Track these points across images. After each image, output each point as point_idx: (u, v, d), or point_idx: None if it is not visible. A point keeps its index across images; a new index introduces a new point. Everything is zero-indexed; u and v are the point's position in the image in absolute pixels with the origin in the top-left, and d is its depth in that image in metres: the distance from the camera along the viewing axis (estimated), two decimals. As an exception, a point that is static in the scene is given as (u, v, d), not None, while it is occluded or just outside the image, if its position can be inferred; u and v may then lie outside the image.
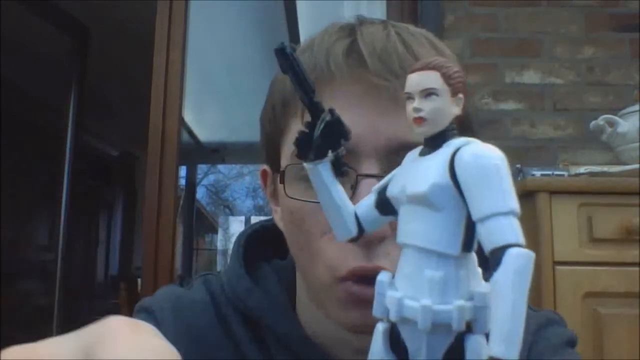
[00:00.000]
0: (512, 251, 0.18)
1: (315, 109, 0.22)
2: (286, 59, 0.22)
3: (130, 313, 0.47)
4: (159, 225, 1.79)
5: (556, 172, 1.37)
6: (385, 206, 0.23)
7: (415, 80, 0.21)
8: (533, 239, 1.28)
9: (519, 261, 0.18)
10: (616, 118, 1.46)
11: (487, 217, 0.18)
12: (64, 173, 2.76)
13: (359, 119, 0.41)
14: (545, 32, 1.80)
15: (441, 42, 0.48)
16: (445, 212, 0.20)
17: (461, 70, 0.22)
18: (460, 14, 1.81)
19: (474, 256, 0.21)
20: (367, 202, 0.24)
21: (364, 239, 0.26)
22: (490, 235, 0.18)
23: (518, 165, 1.47)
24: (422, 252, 0.20)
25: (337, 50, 0.43)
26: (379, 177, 0.39)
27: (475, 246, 0.20)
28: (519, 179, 1.40)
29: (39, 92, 3.18)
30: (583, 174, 1.36)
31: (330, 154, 0.23)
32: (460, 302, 0.19)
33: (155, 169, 1.82)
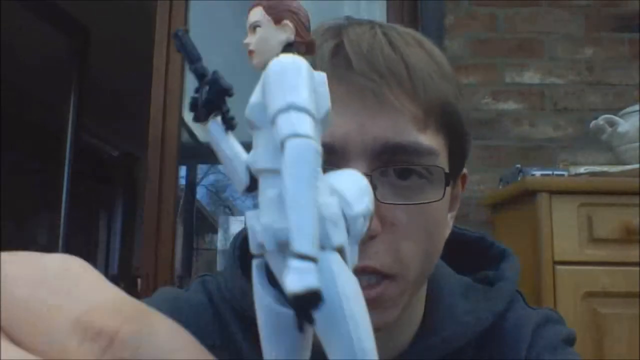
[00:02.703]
0: (287, 143, 0.16)
1: (199, 74, 0.23)
2: (177, 39, 0.23)
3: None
4: (159, 225, 1.79)
5: (556, 172, 1.37)
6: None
7: (246, 21, 0.21)
8: (533, 239, 1.28)
9: (293, 149, 0.16)
10: (616, 118, 1.46)
11: (272, 119, 0.17)
12: (64, 173, 2.76)
13: (346, 120, 0.41)
14: (545, 32, 1.80)
15: (430, 42, 0.47)
16: (265, 129, 0.19)
17: (289, 4, 0.21)
18: (460, 14, 1.81)
19: None
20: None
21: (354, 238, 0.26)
22: (276, 132, 0.17)
23: (518, 165, 1.47)
24: (265, 174, 0.19)
25: (324, 51, 0.43)
26: (368, 176, 0.39)
27: None
28: (519, 179, 1.41)
29: (39, 92, 3.18)
30: (583, 174, 1.36)
31: (217, 112, 0.23)
32: None
33: (155, 169, 1.82)
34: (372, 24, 0.46)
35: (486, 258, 0.55)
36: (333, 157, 0.41)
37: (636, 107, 1.45)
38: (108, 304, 0.19)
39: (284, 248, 0.17)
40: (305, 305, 0.15)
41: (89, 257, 4.58)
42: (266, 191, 0.18)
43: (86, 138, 3.63)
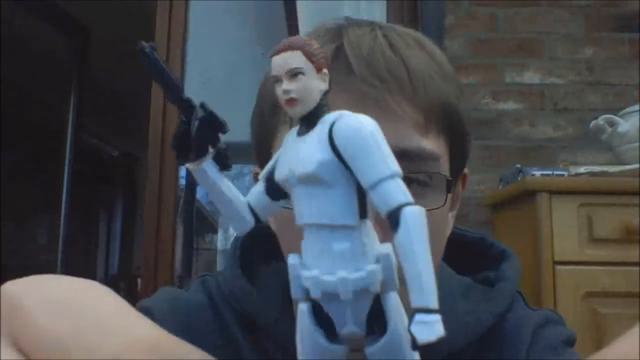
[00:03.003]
0: (406, 210, 0.19)
1: (185, 107, 0.22)
2: (148, 58, 0.21)
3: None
4: (159, 225, 1.79)
5: (556, 172, 1.37)
6: (276, 192, 0.24)
7: (280, 62, 0.21)
8: (533, 239, 1.28)
9: (414, 218, 0.19)
10: (616, 118, 1.46)
11: (375, 183, 0.19)
12: (64, 173, 2.76)
13: None
14: (545, 32, 1.80)
15: (431, 43, 0.47)
16: (337, 186, 0.21)
17: (322, 48, 0.22)
18: (460, 14, 1.81)
19: (369, 222, 0.22)
20: (257, 191, 0.24)
21: None
22: (383, 200, 0.19)
23: (518, 165, 1.47)
24: (326, 229, 0.21)
25: None
26: None
27: (369, 212, 0.21)
28: (519, 179, 1.41)
29: (39, 92, 3.18)
30: (583, 174, 1.36)
31: (210, 150, 0.22)
32: (372, 267, 0.20)
33: (155, 169, 1.82)
34: (372, 25, 0.45)
35: (486, 258, 0.55)
36: None
37: (636, 107, 1.45)
38: (144, 342, 0.19)
39: (359, 296, 0.20)
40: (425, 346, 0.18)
41: (89, 257, 4.58)
42: (332, 244, 0.20)
43: (86, 138, 3.62)
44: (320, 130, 0.21)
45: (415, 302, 0.19)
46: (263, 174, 0.24)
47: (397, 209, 0.19)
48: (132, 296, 3.58)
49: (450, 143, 0.45)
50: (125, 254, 5.12)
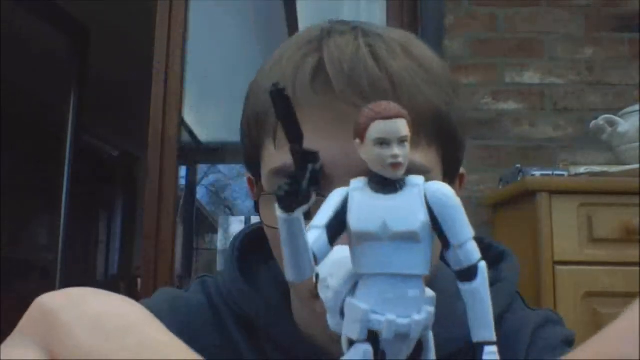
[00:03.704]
0: (482, 265, 0.25)
1: (303, 159, 0.22)
2: (283, 101, 0.21)
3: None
4: (159, 225, 1.79)
5: (556, 172, 1.37)
6: (334, 239, 0.25)
7: (394, 129, 0.24)
8: (533, 239, 1.28)
9: (485, 272, 0.25)
10: (616, 118, 1.46)
11: (464, 242, 0.25)
12: (64, 173, 2.76)
13: (330, 145, 0.40)
14: (545, 32, 1.80)
15: (421, 45, 0.46)
16: (424, 242, 0.25)
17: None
18: (460, 14, 1.81)
19: None
20: (322, 241, 0.25)
21: None
22: (466, 256, 0.25)
23: (518, 165, 1.47)
24: (402, 277, 0.25)
25: (304, 73, 0.42)
26: None
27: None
28: (519, 179, 1.41)
29: (39, 92, 3.18)
30: (583, 174, 1.36)
31: (307, 202, 0.23)
32: (430, 308, 0.26)
33: (155, 169, 1.82)
34: (355, 32, 0.44)
35: (485, 259, 0.55)
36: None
37: (636, 107, 1.45)
38: None
39: (399, 339, 0.24)
40: None
41: (89, 257, 4.58)
42: (407, 291, 0.25)
43: (86, 138, 3.62)
44: (413, 192, 0.25)
45: (483, 337, 0.25)
46: (322, 224, 0.25)
47: (475, 265, 0.25)
48: (132, 296, 3.55)
49: (442, 150, 0.45)
50: (125, 254, 5.12)
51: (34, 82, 3.11)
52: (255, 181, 0.51)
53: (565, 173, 1.37)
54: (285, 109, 0.22)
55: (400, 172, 0.24)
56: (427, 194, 0.25)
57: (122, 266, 5.07)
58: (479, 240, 0.58)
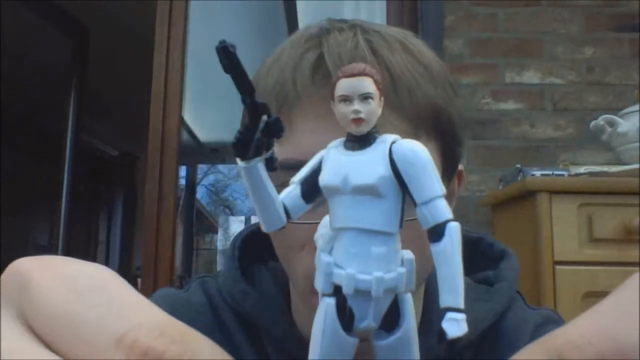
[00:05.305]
0: (451, 225, 0.23)
1: (256, 109, 0.24)
2: (230, 58, 0.23)
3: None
4: (159, 225, 1.79)
5: (556, 172, 1.37)
6: (310, 195, 0.26)
7: (355, 85, 0.24)
8: (533, 239, 1.28)
9: (456, 232, 0.23)
10: (616, 118, 1.46)
11: (429, 200, 0.23)
12: (64, 173, 2.77)
13: (330, 135, 0.41)
14: (545, 32, 1.80)
15: (419, 43, 0.46)
16: (388, 198, 0.24)
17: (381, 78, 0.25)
18: (460, 14, 1.81)
19: (399, 233, 0.26)
20: (293, 193, 0.27)
21: None
22: (432, 214, 0.23)
23: (518, 165, 1.47)
24: (367, 233, 0.24)
25: (304, 66, 0.43)
26: None
27: (402, 223, 0.25)
28: (519, 179, 1.41)
29: (39, 92, 3.18)
30: (583, 174, 1.36)
31: (265, 152, 0.25)
32: (401, 269, 0.24)
33: (155, 169, 1.82)
34: (354, 28, 0.45)
35: (486, 258, 0.55)
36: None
37: (636, 107, 1.45)
38: (151, 323, 0.19)
39: (388, 294, 0.24)
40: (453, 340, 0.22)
41: (89, 257, 4.58)
42: (370, 247, 0.24)
43: (86, 138, 3.63)
44: (378, 148, 0.25)
45: (447, 302, 0.22)
46: (298, 179, 0.27)
47: (443, 223, 0.23)
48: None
49: (441, 146, 0.45)
50: (125, 254, 5.12)
51: (34, 82, 3.11)
52: None
53: (565, 173, 1.37)
54: (232, 63, 0.22)
55: (363, 129, 0.24)
56: (392, 150, 0.24)
57: (122, 266, 5.07)
58: (479, 239, 0.58)
